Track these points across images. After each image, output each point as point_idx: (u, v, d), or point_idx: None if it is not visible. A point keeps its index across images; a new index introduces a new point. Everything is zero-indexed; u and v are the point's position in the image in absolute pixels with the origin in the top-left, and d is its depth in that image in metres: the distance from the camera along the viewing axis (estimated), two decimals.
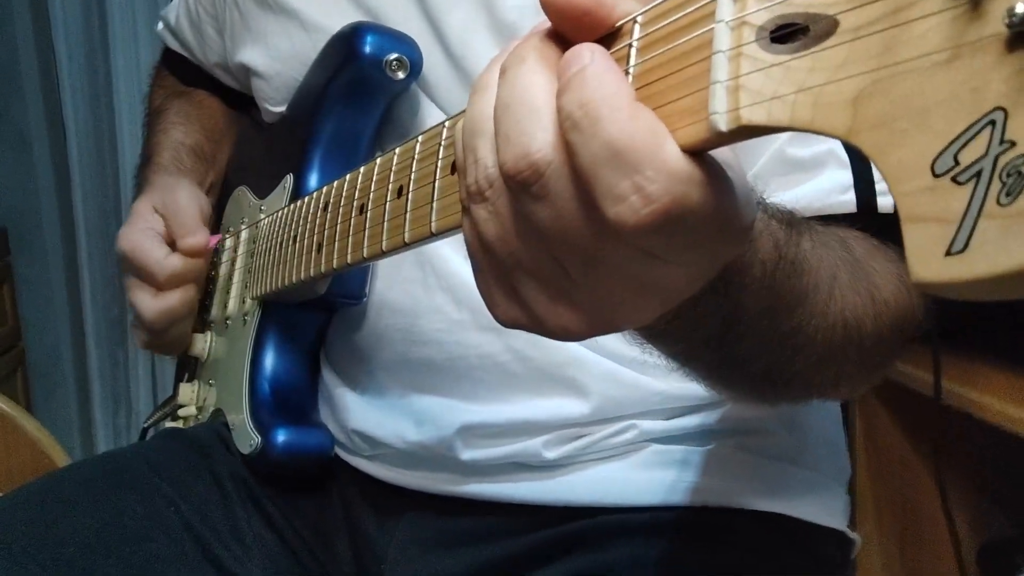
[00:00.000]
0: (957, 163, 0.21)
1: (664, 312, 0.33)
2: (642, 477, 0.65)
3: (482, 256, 0.34)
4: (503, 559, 0.66)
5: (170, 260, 0.79)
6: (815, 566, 0.67)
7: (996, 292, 0.21)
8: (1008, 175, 0.20)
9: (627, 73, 0.30)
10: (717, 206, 0.29)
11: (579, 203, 0.29)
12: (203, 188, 0.89)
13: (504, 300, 0.34)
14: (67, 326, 2.32)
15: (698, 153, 0.28)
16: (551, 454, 0.65)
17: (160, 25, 0.98)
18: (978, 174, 0.21)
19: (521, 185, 0.30)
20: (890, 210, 0.55)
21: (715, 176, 0.29)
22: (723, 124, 0.26)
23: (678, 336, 0.42)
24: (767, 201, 0.43)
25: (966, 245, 0.21)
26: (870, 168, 0.55)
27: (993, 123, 0.20)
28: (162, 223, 0.81)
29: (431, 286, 0.67)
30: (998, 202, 0.20)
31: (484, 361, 0.65)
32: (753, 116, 0.26)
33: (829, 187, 0.55)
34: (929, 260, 0.21)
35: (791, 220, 0.45)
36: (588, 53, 0.30)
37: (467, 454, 0.67)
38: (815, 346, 0.47)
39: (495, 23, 0.63)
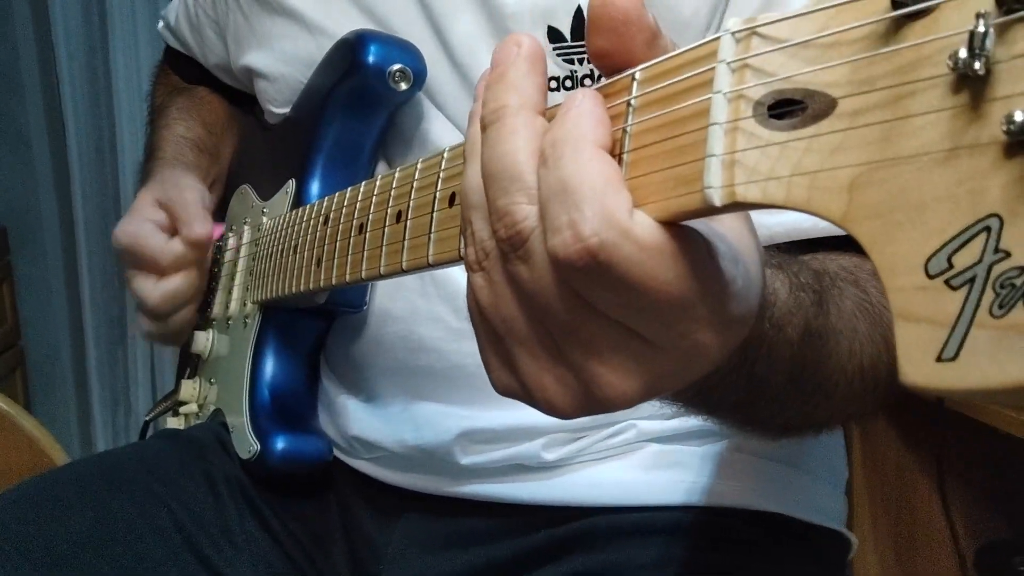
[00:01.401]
0: (951, 266, 0.21)
1: (657, 396, 0.32)
2: (641, 477, 0.65)
3: (479, 322, 0.34)
4: (502, 559, 0.66)
5: (172, 244, 0.78)
6: (812, 566, 0.67)
7: (988, 401, 0.21)
8: (1002, 286, 0.20)
9: (624, 131, 0.30)
10: (685, 286, 0.28)
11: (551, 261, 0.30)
12: (206, 182, 0.89)
13: (498, 367, 0.34)
14: (66, 325, 2.32)
15: (677, 225, 0.28)
16: (550, 455, 0.65)
17: (160, 24, 0.98)
18: (971, 280, 0.20)
19: (511, 248, 0.31)
20: None
21: (686, 257, 0.28)
22: (717, 199, 0.26)
23: (696, 407, 0.43)
24: (798, 274, 0.42)
25: (957, 353, 0.20)
26: None
27: (988, 229, 0.20)
28: (163, 215, 0.80)
29: (430, 295, 0.67)
30: (991, 313, 0.20)
31: (482, 369, 0.65)
32: (748, 194, 0.26)
33: None
34: (919, 363, 0.21)
35: (821, 287, 0.44)
36: (581, 96, 0.30)
37: (466, 458, 0.67)
38: (835, 398, 0.48)
39: (499, 31, 0.63)
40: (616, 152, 0.30)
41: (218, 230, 0.84)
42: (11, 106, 2.22)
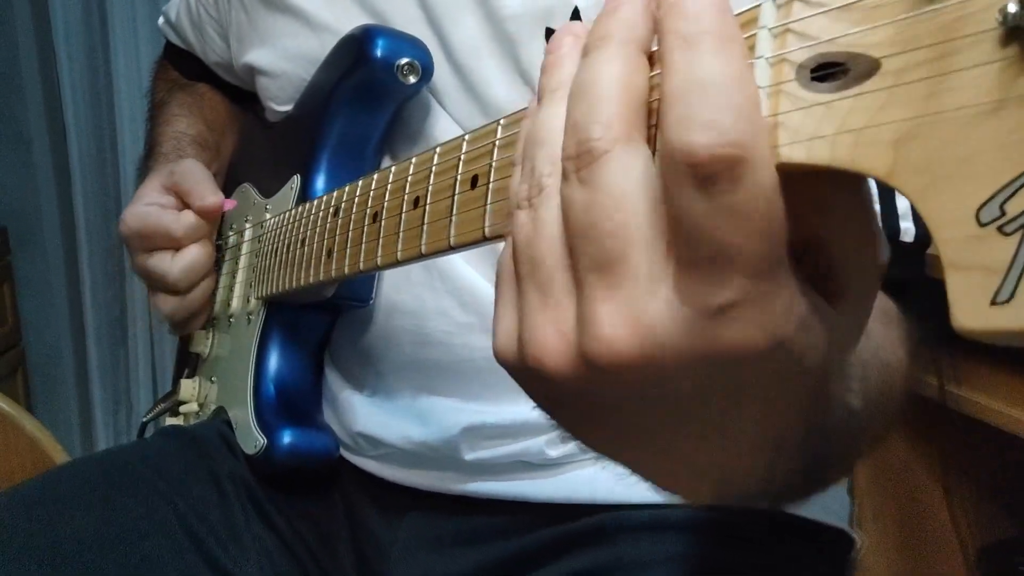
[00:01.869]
0: (1003, 213, 0.21)
1: (652, 368, 0.27)
2: None
3: (505, 266, 0.32)
4: (507, 557, 0.66)
5: (185, 216, 0.78)
6: (817, 563, 0.67)
7: None
8: None
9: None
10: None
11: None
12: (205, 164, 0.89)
13: (504, 316, 0.31)
14: (67, 326, 2.32)
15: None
16: (554, 452, 0.65)
17: (161, 20, 0.98)
18: None
19: (575, 168, 0.28)
20: (911, 239, 0.55)
21: None
22: None
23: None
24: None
25: (1012, 295, 0.21)
26: (893, 196, 0.55)
27: None
28: (170, 198, 0.79)
29: (438, 289, 0.67)
30: None
31: (490, 363, 0.65)
32: (793, 154, 0.25)
33: None
34: (973, 309, 0.22)
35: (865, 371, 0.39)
36: None
37: (471, 454, 0.67)
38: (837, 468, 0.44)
39: (499, 33, 0.63)
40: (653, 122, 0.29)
41: (229, 204, 0.84)
42: (11, 106, 2.22)
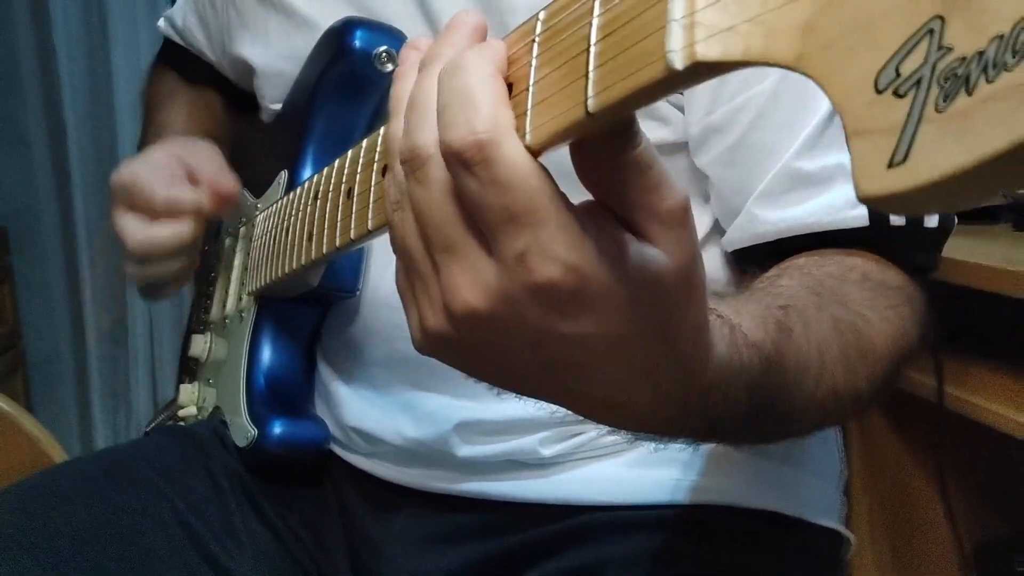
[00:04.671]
0: (898, 75, 0.21)
1: (500, 328, 0.34)
2: (637, 475, 0.65)
3: (397, 264, 0.38)
4: (499, 556, 0.66)
5: (176, 190, 0.72)
6: (809, 563, 0.67)
7: (938, 200, 0.21)
8: (946, 79, 0.20)
9: (590, 24, 0.31)
10: (541, 199, 0.31)
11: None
12: None
13: (408, 306, 0.38)
14: (67, 326, 2.32)
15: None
16: (547, 452, 0.66)
17: (162, 23, 0.97)
18: (917, 83, 0.21)
19: (411, 170, 0.35)
20: (901, 223, 0.56)
21: (551, 180, 0.32)
22: (678, 62, 0.27)
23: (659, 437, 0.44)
24: (743, 335, 0.41)
25: (907, 155, 0.21)
26: None
27: (932, 31, 0.21)
28: (175, 168, 0.74)
29: None
30: (936, 108, 0.20)
31: None
32: (708, 52, 0.26)
33: (839, 203, 0.55)
34: (872, 174, 0.21)
35: (776, 342, 0.43)
36: (492, 39, 0.36)
37: (464, 451, 0.67)
38: (804, 423, 0.49)
39: (496, 25, 0.63)
40: (584, 47, 0.31)
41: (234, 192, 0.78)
42: (11, 107, 2.22)
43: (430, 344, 0.37)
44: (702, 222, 0.64)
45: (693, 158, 0.62)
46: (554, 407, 0.39)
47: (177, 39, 0.95)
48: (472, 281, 0.33)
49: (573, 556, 0.63)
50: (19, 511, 0.68)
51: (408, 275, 0.37)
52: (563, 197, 0.32)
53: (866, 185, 0.22)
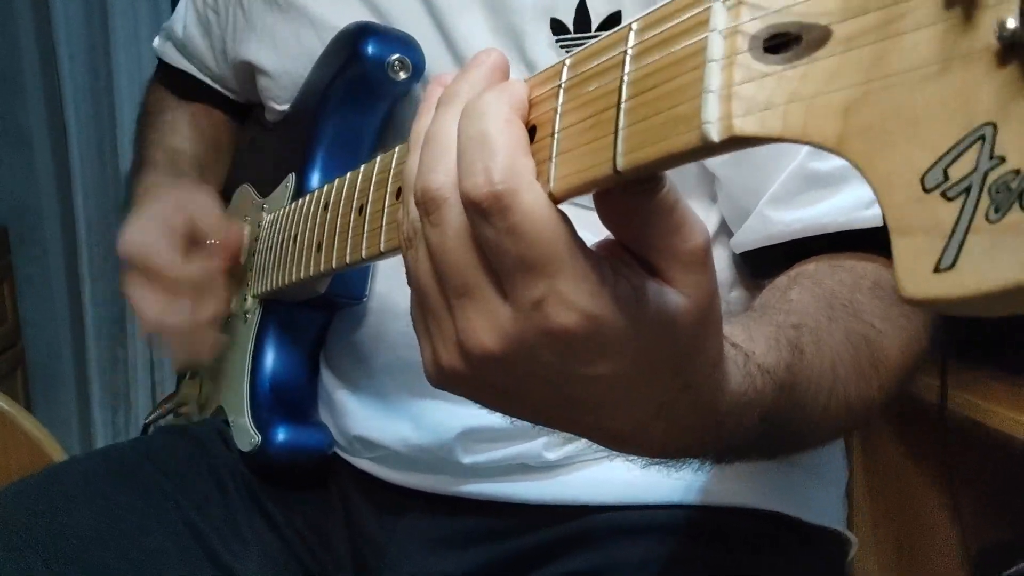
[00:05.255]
0: (947, 178, 0.21)
1: (512, 368, 0.34)
2: (641, 476, 0.64)
3: (412, 300, 0.38)
4: (503, 558, 0.66)
5: (189, 268, 0.72)
6: (813, 565, 0.67)
7: (985, 309, 0.21)
8: (997, 191, 0.20)
9: (621, 80, 0.30)
10: (556, 249, 0.31)
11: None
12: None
13: (422, 343, 0.38)
14: (67, 325, 2.32)
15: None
16: (552, 455, 0.65)
17: (157, 41, 0.95)
18: (967, 189, 0.20)
19: (426, 213, 0.35)
20: None
21: (569, 230, 0.32)
22: (715, 134, 0.26)
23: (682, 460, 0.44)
24: (757, 364, 0.41)
25: (954, 262, 0.20)
26: None
27: (983, 138, 0.20)
28: (180, 223, 0.74)
29: None
30: (987, 218, 0.20)
31: None
32: (745, 126, 0.26)
33: (853, 203, 0.55)
34: (918, 276, 0.21)
35: (789, 365, 0.43)
36: (515, 77, 0.36)
37: (468, 458, 0.67)
38: (816, 437, 0.50)
39: (503, 25, 0.63)
40: (615, 102, 0.30)
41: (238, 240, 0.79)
42: (12, 106, 2.22)
43: (444, 379, 0.37)
44: (709, 221, 0.64)
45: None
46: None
47: (174, 57, 0.93)
48: (488, 325, 0.33)
49: (579, 558, 0.63)
50: (24, 510, 0.68)
51: (422, 310, 0.37)
52: (581, 245, 0.32)
53: (911, 287, 0.22)
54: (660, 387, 0.35)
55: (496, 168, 0.31)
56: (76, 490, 0.70)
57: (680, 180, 0.62)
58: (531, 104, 0.34)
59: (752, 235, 0.60)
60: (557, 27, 0.61)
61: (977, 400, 1.01)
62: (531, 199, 0.31)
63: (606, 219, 0.33)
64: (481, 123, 0.33)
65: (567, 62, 0.34)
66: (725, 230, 0.64)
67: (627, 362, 0.33)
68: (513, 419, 0.39)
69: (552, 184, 0.32)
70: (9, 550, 0.65)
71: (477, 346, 0.34)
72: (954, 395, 1.01)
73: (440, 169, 0.34)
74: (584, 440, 0.64)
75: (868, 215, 0.55)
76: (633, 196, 0.32)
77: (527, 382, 0.35)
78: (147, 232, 0.73)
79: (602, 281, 0.32)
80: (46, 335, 2.32)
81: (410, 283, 0.37)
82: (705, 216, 0.63)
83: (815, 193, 0.56)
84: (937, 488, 1.23)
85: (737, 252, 0.63)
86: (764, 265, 0.60)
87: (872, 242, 0.55)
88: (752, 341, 0.42)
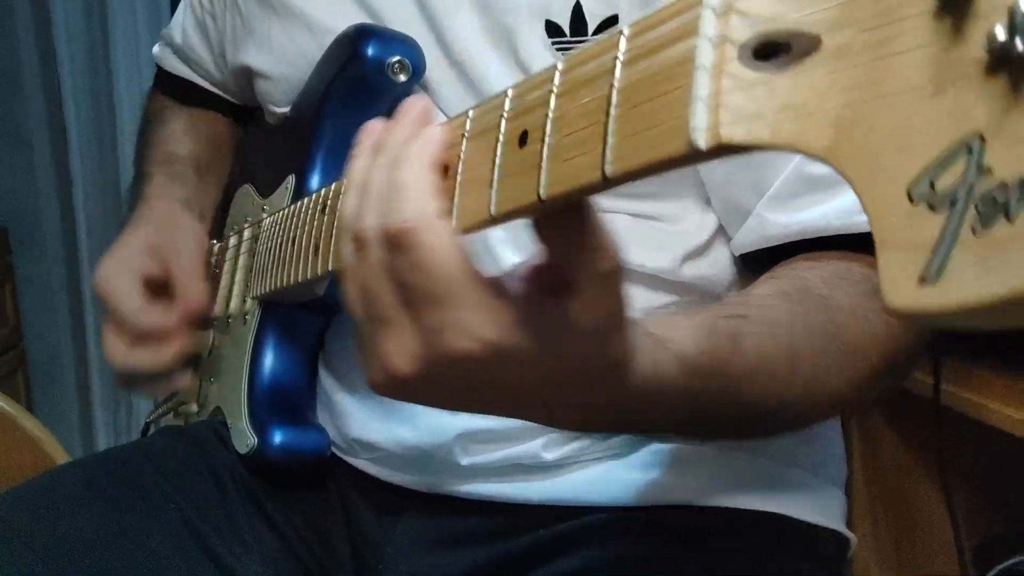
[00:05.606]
0: (933, 189, 0.21)
1: (434, 387, 0.40)
2: (639, 477, 0.65)
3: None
4: (502, 558, 0.66)
5: (150, 315, 0.75)
6: (812, 565, 0.67)
7: (970, 323, 0.20)
8: (984, 203, 0.20)
9: (611, 87, 0.30)
10: (453, 283, 0.36)
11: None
12: (200, 202, 0.88)
13: (359, 355, 0.42)
14: (68, 326, 2.32)
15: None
16: (550, 455, 0.66)
17: (156, 48, 0.96)
18: (953, 201, 0.20)
19: (356, 248, 0.40)
20: None
21: (468, 264, 0.36)
22: (702, 142, 0.26)
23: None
24: (669, 352, 0.44)
25: (939, 274, 0.20)
26: None
27: (970, 150, 0.20)
28: (153, 264, 0.77)
29: None
30: (972, 231, 0.20)
31: None
32: (734, 135, 0.26)
33: (849, 207, 0.56)
34: (902, 288, 0.21)
35: (714, 352, 0.46)
36: (434, 124, 0.41)
37: (466, 459, 0.67)
38: (771, 422, 0.52)
39: (497, 27, 0.63)
40: (604, 108, 0.31)
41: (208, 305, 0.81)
42: (12, 107, 2.22)
43: (379, 391, 0.42)
44: (707, 223, 0.64)
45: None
46: None
47: (173, 64, 0.93)
48: (401, 350, 0.38)
49: (576, 558, 0.63)
50: (25, 513, 0.68)
51: (358, 332, 0.42)
52: (479, 278, 0.36)
53: (895, 298, 0.21)
54: (568, 384, 0.40)
55: (407, 209, 0.37)
56: (77, 493, 0.70)
57: (678, 185, 0.63)
58: (449, 147, 0.39)
59: (751, 236, 0.60)
60: (552, 30, 0.61)
61: (973, 396, 1.02)
62: (434, 238, 0.36)
63: (539, 238, 0.37)
64: (398, 173, 0.38)
65: (559, 67, 0.34)
66: (723, 231, 0.64)
67: (529, 371, 0.38)
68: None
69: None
70: (10, 553, 0.65)
71: (393, 369, 0.39)
72: (950, 391, 1.01)
73: (369, 213, 0.39)
74: (582, 441, 0.65)
75: (862, 220, 0.55)
76: (568, 217, 0.35)
77: (443, 392, 0.41)
78: (116, 275, 0.77)
79: (498, 309, 0.36)
80: (47, 336, 2.32)
81: (346, 310, 0.42)
82: (702, 219, 0.64)
83: (812, 196, 0.57)
84: (936, 485, 1.24)
85: (736, 254, 0.63)
86: (763, 268, 0.60)
87: (867, 246, 0.55)
88: (671, 329, 0.45)
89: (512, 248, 0.64)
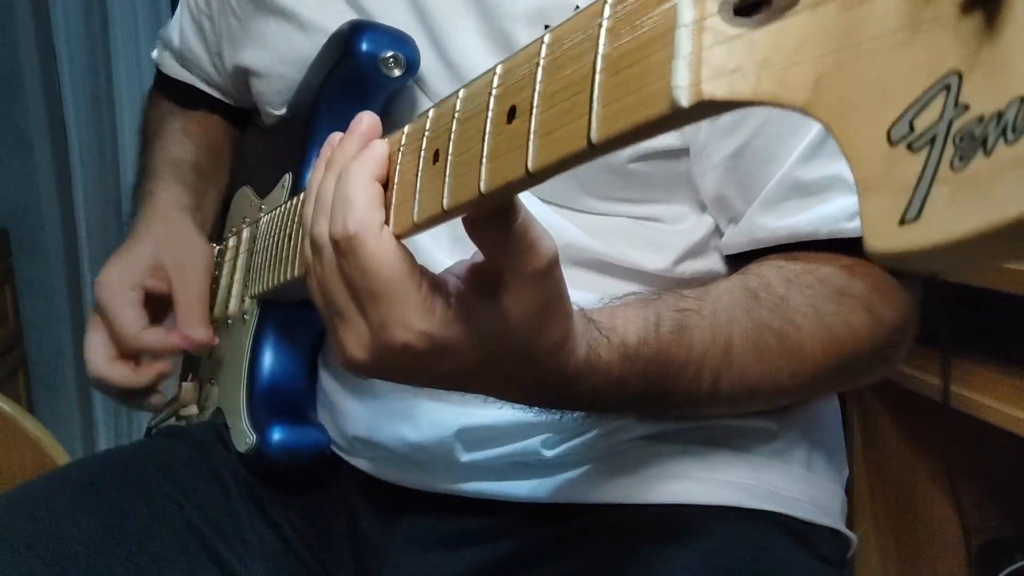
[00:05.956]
0: (912, 130, 0.21)
1: (384, 373, 0.46)
2: (640, 476, 0.65)
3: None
4: (502, 558, 0.66)
5: (145, 336, 0.75)
6: (813, 564, 0.67)
7: (950, 261, 0.20)
8: (962, 139, 0.19)
9: (596, 55, 0.30)
10: (393, 285, 0.41)
11: None
12: (203, 207, 0.88)
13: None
14: (68, 327, 2.32)
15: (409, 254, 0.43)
16: (550, 453, 0.66)
17: (155, 52, 0.96)
18: (932, 140, 0.20)
19: (314, 251, 0.46)
20: None
21: (407, 265, 0.42)
22: (684, 99, 0.26)
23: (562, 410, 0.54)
24: (607, 340, 0.49)
25: (919, 213, 0.20)
26: None
27: (948, 87, 0.20)
28: (152, 285, 0.78)
29: None
30: (951, 167, 0.20)
31: None
32: (715, 90, 0.26)
33: (837, 214, 0.58)
34: (883, 230, 0.21)
35: (658, 340, 0.51)
36: (378, 141, 0.45)
37: (466, 456, 0.67)
38: (713, 405, 0.56)
39: (490, 30, 0.63)
40: (588, 75, 0.31)
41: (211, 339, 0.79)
42: (12, 108, 2.23)
43: (346, 370, 0.47)
44: (702, 225, 0.66)
45: (692, 165, 0.62)
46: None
47: (172, 68, 0.93)
48: (355, 340, 0.44)
49: (576, 557, 0.63)
50: (26, 515, 0.68)
51: (324, 323, 0.48)
52: (417, 278, 0.42)
53: (876, 242, 0.21)
54: (508, 367, 0.44)
55: (351, 219, 0.42)
56: (79, 493, 0.70)
57: (676, 189, 0.63)
58: (391, 160, 0.44)
59: (740, 238, 0.62)
60: None
61: (979, 396, 1.01)
62: (375, 244, 0.41)
63: (473, 239, 0.41)
64: (346, 186, 0.43)
65: (545, 39, 0.34)
66: (720, 231, 0.66)
67: (467, 358, 0.43)
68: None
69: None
70: (12, 554, 0.65)
71: (350, 356, 0.45)
72: (956, 391, 1.01)
73: (323, 220, 0.44)
74: (582, 438, 0.65)
75: (851, 227, 0.58)
76: (494, 223, 0.39)
77: (395, 373, 0.46)
78: (119, 287, 0.77)
79: (434, 305, 0.42)
80: (47, 337, 2.32)
81: (312, 303, 0.48)
82: (698, 221, 0.66)
83: (800, 202, 0.59)
84: (940, 485, 1.23)
85: (725, 254, 0.65)
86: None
87: (853, 251, 0.57)
88: (613, 318, 0.50)
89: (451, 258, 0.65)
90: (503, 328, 0.42)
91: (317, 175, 0.47)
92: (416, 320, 0.41)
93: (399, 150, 0.43)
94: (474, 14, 0.64)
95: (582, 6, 0.58)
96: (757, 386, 0.55)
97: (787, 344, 0.54)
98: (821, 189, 0.58)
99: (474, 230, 0.40)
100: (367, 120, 0.47)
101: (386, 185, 0.44)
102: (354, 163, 0.44)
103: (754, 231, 0.60)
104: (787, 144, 0.58)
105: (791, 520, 0.66)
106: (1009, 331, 1.04)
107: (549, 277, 0.41)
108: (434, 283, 0.42)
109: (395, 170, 0.43)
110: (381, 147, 0.44)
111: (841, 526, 0.70)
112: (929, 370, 1.02)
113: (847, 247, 0.58)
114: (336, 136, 0.48)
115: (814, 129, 0.58)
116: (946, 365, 0.92)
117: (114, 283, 0.77)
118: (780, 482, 0.67)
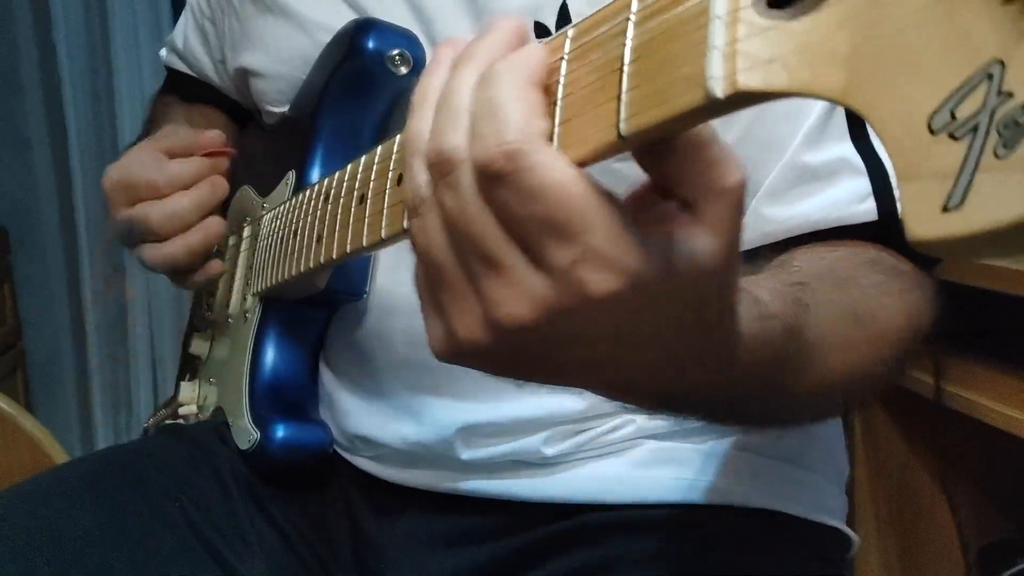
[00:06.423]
0: (954, 118, 0.21)
1: (550, 340, 0.33)
2: (640, 474, 0.65)
3: (418, 274, 0.37)
4: (503, 556, 0.66)
5: (169, 165, 0.73)
6: (813, 563, 0.67)
7: (993, 247, 0.20)
8: (1005, 127, 0.20)
9: (624, 46, 0.30)
10: (584, 204, 0.30)
11: None
12: None
13: (432, 318, 0.36)
14: (67, 326, 2.32)
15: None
16: (550, 451, 0.65)
17: (164, 52, 0.96)
18: (975, 128, 0.20)
19: (440, 175, 0.33)
20: None
21: (591, 184, 0.30)
22: (719, 90, 0.26)
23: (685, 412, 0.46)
24: (764, 307, 0.40)
25: (963, 200, 0.20)
26: (887, 174, 0.56)
27: (991, 76, 0.20)
28: (165, 146, 0.75)
29: None
30: (995, 154, 0.20)
31: None
32: (750, 81, 0.26)
33: (846, 197, 0.56)
34: (925, 218, 0.21)
35: (796, 314, 0.43)
36: (534, 41, 0.35)
37: (467, 453, 0.67)
38: (821, 402, 0.51)
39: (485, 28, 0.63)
40: (617, 67, 0.30)
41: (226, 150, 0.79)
42: (12, 107, 2.23)
43: (458, 354, 0.35)
44: None
45: None
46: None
47: (179, 65, 0.94)
48: (519, 295, 0.32)
49: (577, 556, 0.63)
50: (27, 512, 0.68)
51: (432, 283, 0.35)
52: (608, 199, 0.30)
53: (919, 229, 0.21)
54: (683, 332, 0.34)
55: (509, 131, 0.30)
56: (78, 491, 0.70)
57: None
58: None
59: (749, 233, 0.60)
60: (540, 30, 0.61)
61: (977, 397, 1.01)
62: (549, 158, 0.30)
63: (641, 156, 0.31)
64: (494, 89, 0.32)
65: (569, 33, 0.33)
66: None
67: (658, 312, 0.32)
68: (523, 383, 0.38)
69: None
70: (12, 551, 0.65)
71: (508, 317, 0.32)
72: (954, 392, 1.01)
73: (457, 129, 0.32)
74: (583, 436, 0.65)
75: (862, 209, 0.56)
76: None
77: (555, 347, 0.33)
78: (130, 160, 0.74)
79: (634, 235, 0.30)
80: (46, 336, 2.32)
81: (418, 255, 0.35)
82: None
83: (807, 187, 0.57)
84: (941, 486, 1.23)
85: None
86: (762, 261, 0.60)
87: (867, 236, 0.56)
88: (758, 288, 0.41)
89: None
90: (698, 268, 0.31)
91: (435, 78, 0.35)
92: (617, 254, 0.30)
93: (561, 60, 0.33)
94: (469, 12, 0.64)
95: (569, 2, 0.59)
96: (855, 375, 0.48)
97: (877, 326, 0.49)
98: (828, 174, 0.56)
99: (652, 145, 0.31)
100: (515, 20, 0.35)
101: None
102: (505, 61, 0.32)
103: (761, 224, 0.58)
104: (788, 127, 0.57)
105: (792, 519, 0.66)
106: (1005, 330, 1.04)
107: (742, 202, 0.32)
108: (624, 207, 0.31)
109: (558, 81, 0.33)
110: (538, 49, 0.33)
111: (842, 525, 0.70)
112: (927, 370, 1.02)
113: (857, 236, 0.56)
114: (457, 37, 0.37)
115: (815, 109, 0.56)
116: (938, 364, 0.92)
117: (120, 161, 0.75)
118: (780, 481, 0.67)
